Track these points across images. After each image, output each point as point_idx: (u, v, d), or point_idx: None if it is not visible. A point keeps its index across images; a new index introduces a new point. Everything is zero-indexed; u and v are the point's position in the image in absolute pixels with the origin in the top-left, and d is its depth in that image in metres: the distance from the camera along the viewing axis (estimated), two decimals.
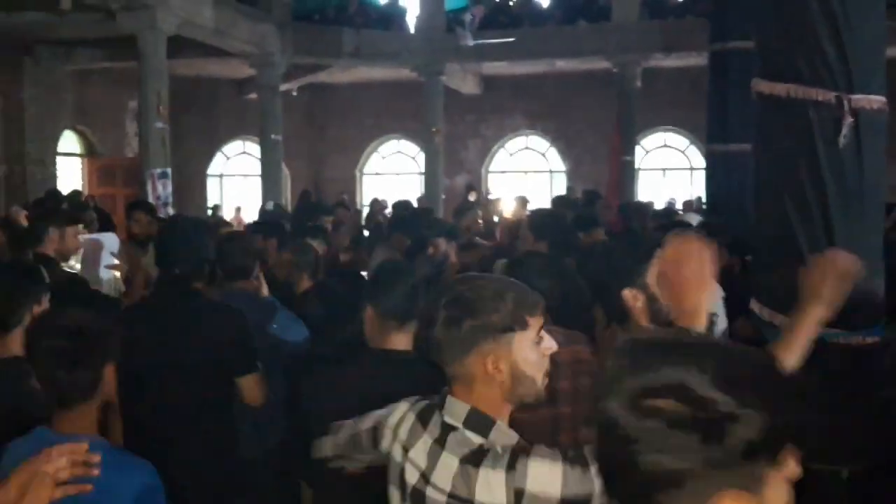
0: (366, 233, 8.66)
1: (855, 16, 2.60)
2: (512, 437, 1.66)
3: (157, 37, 10.45)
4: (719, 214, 6.36)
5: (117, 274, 5.45)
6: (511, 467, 1.56)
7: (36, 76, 13.52)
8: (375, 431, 1.88)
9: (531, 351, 1.68)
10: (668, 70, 15.08)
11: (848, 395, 2.67)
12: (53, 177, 14.13)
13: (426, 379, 1.87)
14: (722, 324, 3.59)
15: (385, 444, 1.83)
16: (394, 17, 15.68)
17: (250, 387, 3.07)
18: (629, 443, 0.93)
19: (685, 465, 0.90)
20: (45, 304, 2.81)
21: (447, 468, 1.64)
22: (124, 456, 2.04)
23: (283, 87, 14.52)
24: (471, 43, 13.17)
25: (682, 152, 17.64)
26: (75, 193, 11.51)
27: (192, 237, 3.31)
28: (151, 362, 2.91)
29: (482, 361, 1.64)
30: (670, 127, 17.11)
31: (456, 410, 1.68)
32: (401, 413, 1.81)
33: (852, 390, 2.67)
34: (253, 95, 15.33)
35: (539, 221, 4.59)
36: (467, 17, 13.56)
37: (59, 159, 14.56)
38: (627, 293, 2.41)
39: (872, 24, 2.65)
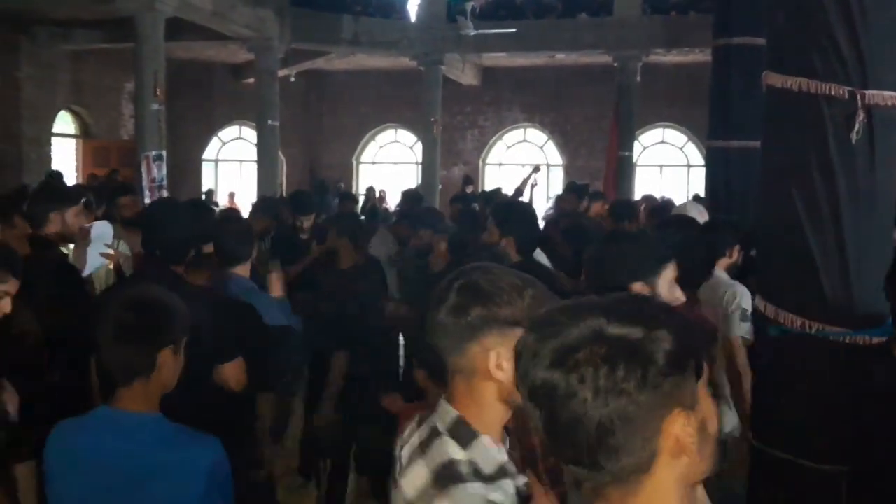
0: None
1: (871, 9, 2.55)
2: (491, 460, 1.50)
3: (155, 18, 10.36)
4: (722, 211, 6.32)
5: (109, 264, 5.41)
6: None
7: (32, 56, 13.39)
8: None
9: None
10: (668, 66, 15.05)
11: (852, 395, 2.64)
12: (48, 157, 14.03)
13: None
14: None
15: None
16: (394, 4, 15.58)
17: (231, 374, 3.03)
18: (568, 399, 0.98)
19: (626, 400, 0.97)
20: (10, 286, 2.74)
21: (417, 476, 1.52)
22: (193, 433, 2.04)
23: (281, 72, 14.41)
24: (472, 32, 13.07)
25: (680, 149, 17.62)
26: (58, 175, 11.40)
27: (175, 219, 3.28)
28: None
29: (485, 355, 1.51)
30: (668, 123, 17.08)
31: (444, 415, 1.55)
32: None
33: (857, 390, 2.63)
34: (250, 80, 15.21)
35: (504, 215, 4.12)
36: (469, 6, 13.46)
37: (53, 140, 14.44)
38: (638, 286, 2.38)
39: (889, 19, 2.60)
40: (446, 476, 1.45)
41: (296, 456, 5.14)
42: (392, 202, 14.87)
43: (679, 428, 1.00)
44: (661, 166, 17.72)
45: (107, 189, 7.46)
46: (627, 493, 1.02)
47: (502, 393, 1.53)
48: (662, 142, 17.72)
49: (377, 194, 15.83)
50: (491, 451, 1.50)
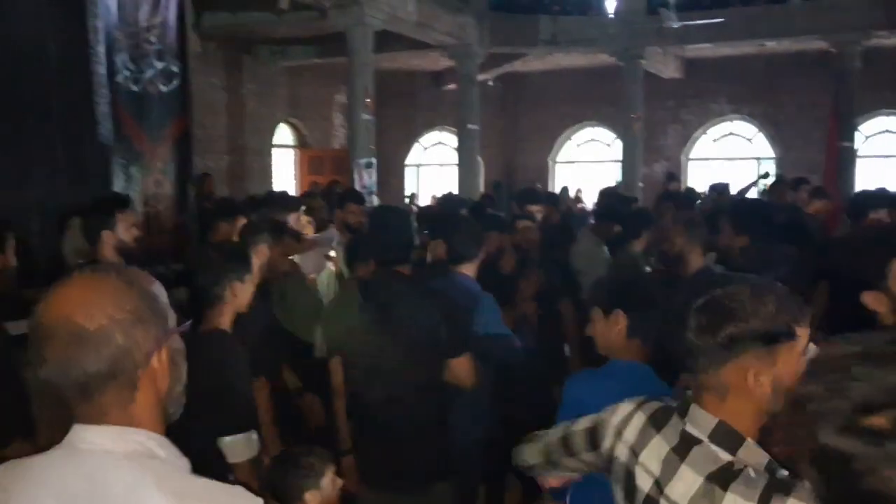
0: None
1: None
2: (762, 458, 1.52)
3: (365, 32, 10.86)
4: None
5: (332, 266, 5.75)
6: (765, 501, 1.43)
7: (254, 73, 14.44)
8: (594, 433, 1.83)
9: (797, 363, 1.52)
10: (892, 48, 13.87)
11: None
12: (269, 167, 15.06)
13: None
14: None
15: (607, 443, 1.77)
16: (591, 1, 15.39)
17: (462, 369, 3.09)
18: (869, 475, 0.87)
19: None
20: (249, 284, 2.99)
21: (687, 483, 1.54)
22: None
23: (480, 77, 14.66)
24: (675, 25, 12.67)
25: None
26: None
27: (398, 225, 3.36)
28: (372, 344, 3.07)
29: (741, 374, 1.52)
30: (893, 110, 15.74)
31: (701, 421, 1.57)
32: (625, 412, 1.76)
33: None
34: (450, 87, 15.58)
35: (740, 213, 4.10)
36: None
37: (273, 151, 15.45)
38: (869, 296, 2.22)
39: None
40: (726, 477, 1.49)
41: None
42: (588, 201, 14.70)
43: None
44: (885, 157, 16.35)
45: (335, 195, 7.90)
46: None
47: (761, 407, 1.55)
48: (887, 131, 16.34)
49: (573, 194, 15.69)
50: (758, 451, 1.52)
